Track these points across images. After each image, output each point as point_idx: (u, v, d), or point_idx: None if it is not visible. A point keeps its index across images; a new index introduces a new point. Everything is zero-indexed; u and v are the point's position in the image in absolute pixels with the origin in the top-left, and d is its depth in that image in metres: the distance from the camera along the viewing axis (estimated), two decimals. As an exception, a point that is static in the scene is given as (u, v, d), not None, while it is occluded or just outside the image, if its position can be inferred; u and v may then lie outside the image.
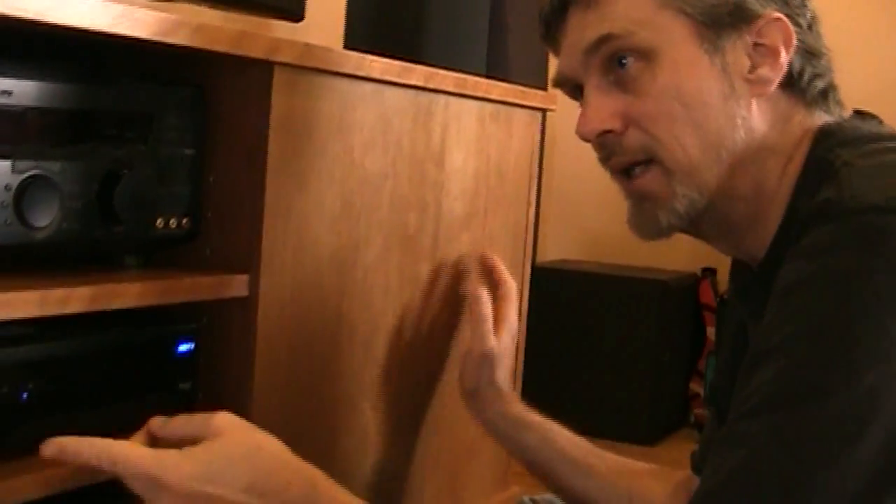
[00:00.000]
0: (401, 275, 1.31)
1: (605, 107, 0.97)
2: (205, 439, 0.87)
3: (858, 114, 1.02)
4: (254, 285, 1.07)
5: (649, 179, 0.97)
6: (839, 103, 1.00)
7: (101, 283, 0.94)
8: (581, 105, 1.01)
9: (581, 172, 3.37)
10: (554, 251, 3.47)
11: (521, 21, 1.77)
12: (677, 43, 0.95)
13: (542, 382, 2.98)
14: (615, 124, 0.97)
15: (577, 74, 1.00)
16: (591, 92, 0.98)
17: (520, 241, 1.60)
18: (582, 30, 0.98)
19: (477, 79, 1.44)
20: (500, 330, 1.14)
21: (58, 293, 0.90)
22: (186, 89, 1.06)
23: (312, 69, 1.13)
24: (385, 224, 1.28)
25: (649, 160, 0.97)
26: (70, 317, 0.91)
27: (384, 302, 1.29)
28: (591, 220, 3.39)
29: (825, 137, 0.95)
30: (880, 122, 1.00)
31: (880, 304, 0.78)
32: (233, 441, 0.88)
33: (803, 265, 0.83)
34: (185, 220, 1.06)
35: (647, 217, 0.98)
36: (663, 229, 0.98)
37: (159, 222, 1.03)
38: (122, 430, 0.98)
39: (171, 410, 1.02)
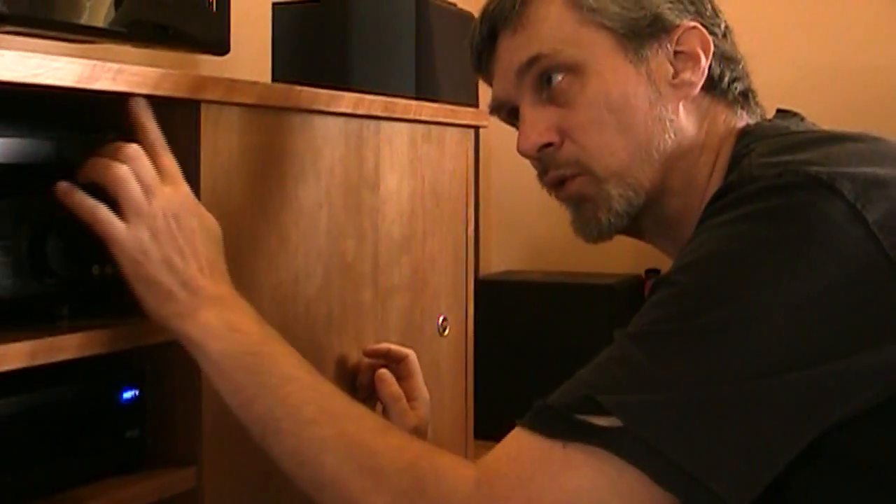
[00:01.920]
0: (343, 304, 1.31)
1: (540, 121, 1.03)
2: None
3: (781, 112, 1.08)
4: (194, 326, 1.06)
5: (578, 183, 1.04)
6: (759, 105, 1.08)
7: (39, 337, 0.93)
8: (518, 125, 1.05)
9: (519, 183, 3.39)
10: (498, 263, 3.48)
11: (448, 40, 1.78)
12: (602, 55, 1.02)
13: (496, 394, 2.98)
14: (552, 137, 1.03)
15: (510, 96, 1.06)
16: (526, 110, 1.04)
17: (461, 259, 1.61)
18: (512, 53, 1.05)
19: (406, 101, 1.45)
20: (415, 405, 1.21)
21: (-6, 351, 0.88)
22: (111, 134, 1.05)
23: (239, 104, 1.12)
24: (323, 254, 1.27)
25: (578, 173, 1.02)
26: (5, 374, 0.90)
27: (328, 333, 1.28)
28: (532, 229, 3.41)
29: (745, 135, 1.03)
30: (801, 118, 1.07)
31: (754, 244, 0.84)
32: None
33: (698, 227, 0.91)
34: (107, 266, 1.04)
35: (588, 218, 1.05)
36: (604, 229, 1.04)
37: (95, 269, 1.02)
38: (70, 484, 0.98)
39: (119, 459, 1.02)
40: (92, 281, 1.02)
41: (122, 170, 0.96)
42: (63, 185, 0.96)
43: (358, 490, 0.88)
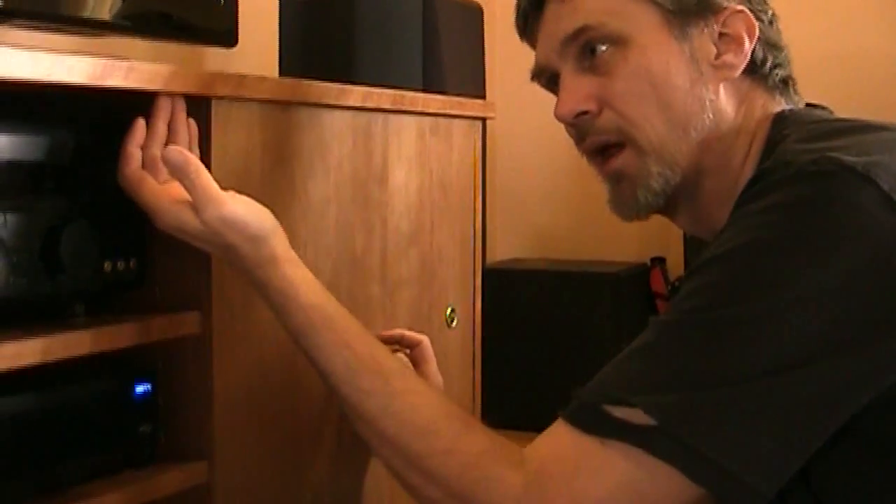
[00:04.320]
0: (352, 298, 1.31)
1: (580, 89, 1.04)
2: None
3: (810, 106, 1.09)
4: (206, 322, 1.07)
5: (623, 159, 1.04)
6: (798, 94, 1.09)
7: (52, 334, 0.94)
8: (558, 91, 1.06)
9: (524, 172, 3.39)
10: (503, 251, 3.48)
11: (455, 32, 1.78)
12: (647, 30, 1.03)
13: (503, 381, 2.99)
14: (590, 105, 1.04)
15: (553, 63, 1.07)
16: (567, 76, 1.05)
17: (468, 250, 1.61)
18: (558, 21, 1.06)
19: (414, 94, 1.45)
20: None
21: (9, 348, 0.89)
22: (122, 132, 1.06)
23: (249, 99, 1.13)
24: (332, 249, 1.28)
25: (622, 142, 1.02)
26: (20, 371, 0.90)
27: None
28: (537, 217, 3.41)
29: (780, 121, 1.04)
30: (830, 111, 1.08)
31: (789, 234, 0.85)
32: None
33: (734, 213, 0.92)
34: (132, 263, 1.06)
35: (626, 197, 1.05)
36: (641, 208, 1.05)
37: (107, 267, 1.03)
38: (82, 479, 0.98)
39: (133, 454, 1.03)
40: (103, 278, 1.02)
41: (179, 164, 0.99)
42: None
43: (440, 444, 0.94)
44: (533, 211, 3.42)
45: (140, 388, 1.04)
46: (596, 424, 0.85)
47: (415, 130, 1.44)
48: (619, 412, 0.84)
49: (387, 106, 1.36)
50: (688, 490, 0.83)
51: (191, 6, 1.45)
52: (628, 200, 1.05)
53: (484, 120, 1.65)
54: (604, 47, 1.02)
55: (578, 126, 1.06)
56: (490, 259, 3.36)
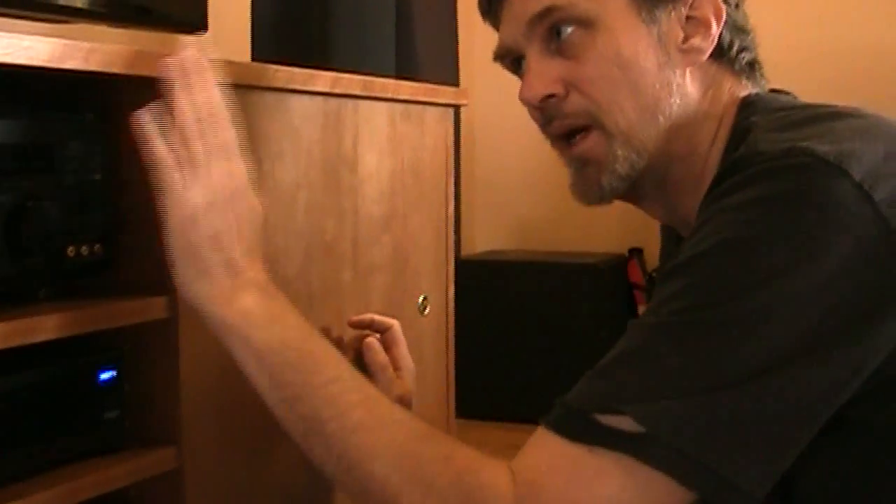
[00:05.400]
0: (323, 283, 1.31)
1: (547, 72, 1.02)
2: None
3: (774, 91, 1.08)
4: (173, 307, 1.06)
5: (590, 143, 1.03)
6: (764, 77, 1.07)
7: (16, 318, 0.93)
8: (522, 74, 1.05)
9: (504, 163, 3.39)
10: (482, 242, 3.48)
11: (429, 19, 1.77)
12: (616, 12, 1.01)
13: (480, 373, 2.99)
14: (557, 88, 1.02)
15: (518, 45, 1.05)
16: (533, 58, 1.03)
17: (442, 238, 1.60)
18: (524, 2, 1.03)
19: (385, 80, 1.44)
20: (400, 374, 1.20)
21: (-30, 332, 0.88)
22: (88, 114, 1.05)
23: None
24: (303, 234, 1.27)
25: (589, 125, 1.01)
26: (-17, 356, 0.89)
27: (308, 313, 1.27)
28: (517, 209, 3.41)
29: (747, 106, 1.03)
30: (794, 97, 1.07)
31: (769, 231, 0.84)
32: None
33: (710, 208, 0.90)
34: (97, 247, 1.05)
35: (589, 182, 1.04)
36: (606, 193, 1.04)
37: (71, 251, 1.02)
38: (48, 466, 0.97)
39: (98, 440, 1.02)
40: (67, 261, 1.01)
41: (191, 115, 0.95)
42: (146, 117, 0.95)
43: (406, 501, 0.87)
44: (512, 203, 3.42)
45: (106, 374, 1.03)
46: (586, 433, 0.83)
47: (386, 116, 1.44)
48: (608, 420, 0.82)
49: (356, 92, 1.35)
50: (682, 496, 0.82)
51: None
52: (592, 185, 1.04)
53: (457, 108, 1.64)
54: (570, 29, 1.01)
55: (544, 109, 1.04)
56: (469, 251, 3.35)
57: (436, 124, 1.57)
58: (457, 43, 1.85)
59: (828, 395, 0.83)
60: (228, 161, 0.97)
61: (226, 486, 1.13)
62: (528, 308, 3.12)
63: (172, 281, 1.02)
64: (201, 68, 0.97)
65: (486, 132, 3.27)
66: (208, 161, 0.95)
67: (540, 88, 1.03)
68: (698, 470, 0.80)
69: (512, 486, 0.85)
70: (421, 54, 1.69)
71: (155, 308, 1.05)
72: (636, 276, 3.31)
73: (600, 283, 3.14)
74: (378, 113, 1.42)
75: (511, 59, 1.09)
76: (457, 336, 1.67)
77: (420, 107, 1.51)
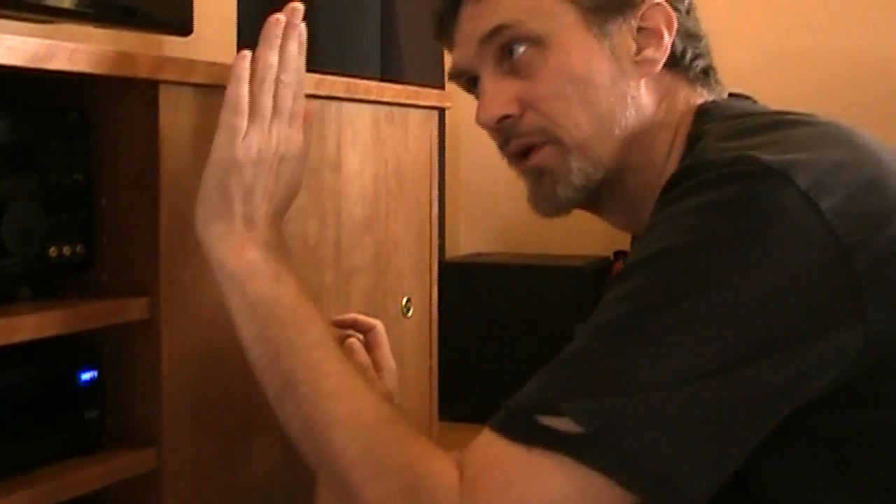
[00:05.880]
0: (305, 285, 1.31)
1: (501, 93, 1.03)
2: None
3: (733, 96, 1.08)
4: (154, 308, 1.06)
5: (545, 154, 1.03)
6: (719, 83, 1.08)
7: (-6, 318, 0.93)
8: (478, 95, 1.05)
9: (488, 165, 3.39)
10: (466, 245, 3.48)
11: (414, 22, 1.78)
12: (566, 28, 1.01)
13: (463, 375, 2.99)
14: (512, 109, 1.03)
15: (472, 65, 1.05)
16: (487, 80, 1.04)
17: (425, 241, 1.61)
18: (475, 21, 1.04)
19: (369, 82, 1.44)
20: (382, 375, 1.20)
21: (-51, 332, 0.88)
22: (70, 114, 1.05)
23: (199, 85, 1.12)
24: (285, 235, 1.27)
25: (545, 142, 1.01)
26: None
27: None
28: (501, 211, 3.41)
29: (703, 114, 1.03)
30: (754, 101, 1.07)
31: (712, 237, 0.84)
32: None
33: (657, 216, 0.90)
34: (78, 247, 1.05)
35: (545, 192, 1.05)
36: (562, 204, 1.04)
37: (52, 251, 1.02)
38: (27, 466, 0.97)
39: (79, 440, 1.02)
40: (49, 261, 1.01)
41: (273, 68, 1.01)
42: (243, 60, 1.01)
43: (357, 476, 0.89)
44: (497, 205, 3.42)
45: (86, 375, 1.03)
46: (525, 434, 0.83)
47: (370, 118, 1.44)
48: (548, 420, 0.82)
49: (340, 94, 1.35)
50: (622, 497, 0.81)
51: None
52: (548, 195, 1.04)
53: (441, 110, 1.65)
54: (522, 48, 1.01)
55: (502, 130, 1.05)
56: (454, 253, 3.36)
57: (420, 127, 1.57)
58: (443, 51, 1.85)
59: (770, 401, 0.83)
60: (290, 127, 1.03)
61: (205, 486, 1.13)
62: (512, 310, 3.12)
63: (153, 280, 1.03)
64: (297, 31, 1.03)
65: (471, 134, 3.27)
66: (272, 119, 1.01)
67: (495, 110, 1.03)
68: (636, 470, 0.80)
69: (459, 481, 0.86)
70: (406, 57, 1.69)
71: (136, 308, 1.05)
72: (620, 279, 3.32)
73: (585, 286, 3.14)
74: (362, 115, 1.42)
75: (465, 79, 1.09)
76: (440, 337, 1.67)
77: (404, 109, 1.52)
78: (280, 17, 1.02)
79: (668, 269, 0.85)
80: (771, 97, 1.10)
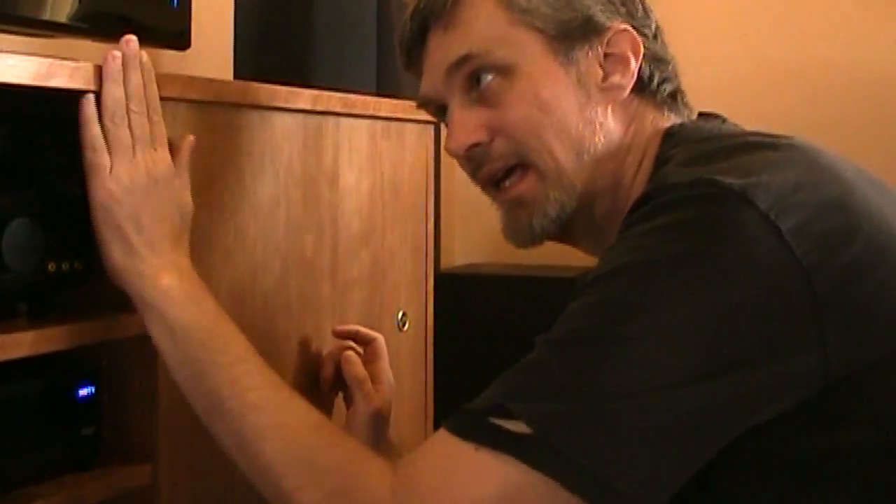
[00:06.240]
0: (301, 297, 1.31)
1: (469, 121, 1.04)
2: None
3: (703, 115, 1.09)
4: (152, 322, 1.06)
5: (525, 185, 1.04)
6: (687, 105, 1.08)
7: (-8, 333, 0.93)
8: (446, 124, 1.06)
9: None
10: (461, 255, 3.49)
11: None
12: (532, 57, 1.02)
13: (457, 387, 3.00)
14: (481, 136, 1.04)
15: (440, 94, 1.06)
16: (455, 109, 1.05)
17: (420, 253, 1.61)
18: (442, 51, 1.05)
19: (365, 97, 1.45)
20: (379, 388, 1.21)
21: (-53, 347, 0.89)
22: (69, 130, 1.05)
23: (196, 101, 1.12)
24: (281, 249, 1.28)
25: (519, 165, 1.02)
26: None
27: (287, 326, 1.29)
28: (496, 222, 3.42)
29: (669, 137, 1.04)
30: (723, 121, 1.08)
31: (669, 256, 0.85)
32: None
33: (617, 238, 0.91)
34: (76, 262, 1.05)
35: (520, 224, 1.05)
36: (537, 235, 1.05)
37: (50, 266, 1.02)
38: (24, 481, 0.98)
39: (74, 456, 1.02)
40: (48, 277, 1.02)
41: (121, 101, 1.01)
42: (88, 103, 1.00)
43: (290, 484, 0.91)
44: (492, 216, 3.42)
45: (84, 391, 1.03)
46: (475, 432, 0.84)
47: (366, 133, 1.45)
48: (497, 420, 0.83)
49: (337, 109, 1.36)
50: (564, 501, 0.82)
51: (144, 9, 1.44)
52: (524, 227, 1.05)
53: (437, 124, 1.65)
54: (490, 77, 1.02)
55: (472, 158, 1.05)
56: (448, 264, 3.36)
57: (416, 141, 1.58)
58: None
59: (721, 418, 0.83)
60: (154, 150, 1.02)
61: (201, 502, 1.13)
62: (507, 321, 3.12)
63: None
64: (135, 60, 1.03)
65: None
66: (133, 147, 1.01)
67: (464, 138, 1.04)
68: (581, 473, 0.81)
69: (392, 478, 0.88)
70: (402, 71, 1.70)
71: (134, 324, 1.05)
72: (614, 290, 3.33)
73: (578, 297, 3.15)
74: (359, 129, 1.43)
75: (434, 107, 1.10)
76: (436, 348, 1.68)
77: (400, 124, 1.52)
78: (116, 53, 1.02)
79: (622, 286, 0.86)
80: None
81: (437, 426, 1.70)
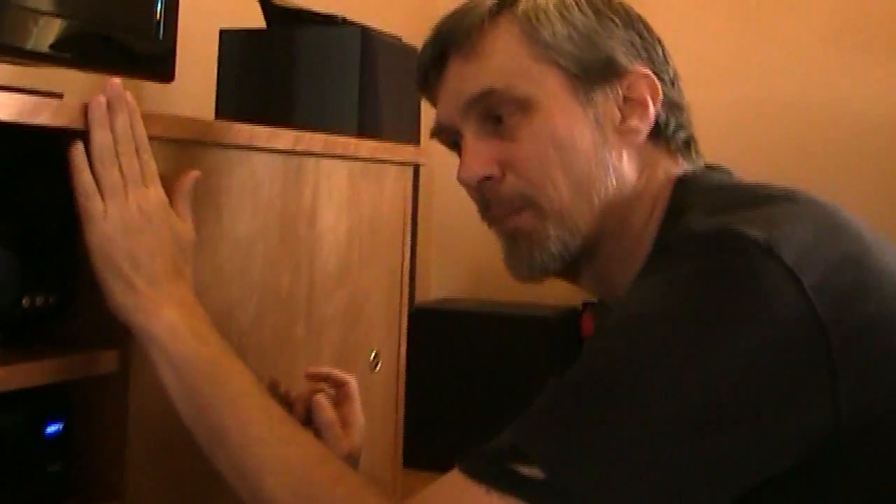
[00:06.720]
0: (276, 336, 1.32)
1: (484, 153, 1.03)
2: None
3: (709, 167, 1.09)
4: (125, 360, 1.07)
5: (523, 219, 1.03)
6: (699, 153, 1.07)
7: (-38, 368, 0.93)
8: (460, 153, 1.05)
9: (462, 208, 3.41)
10: (437, 289, 3.49)
11: (392, 75, 1.80)
12: (553, 94, 1.02)
13: (431, 422, 3.00)
14: (494, 170, 1.02)
15: (455, 123, 1.05)
16: (470, 140, 1.04)
17: (395, 293, 1.62)
18: (462, 81, 1.04)
19: (346, 139, 1.46)
20: (349, 432, 1.20)
21: (-82, 382, 0.88)
22: (49, 165, 1.06)
23: (179, 140, 1.13)
24: (258, 286, 1.28)
25: (524, 206, 1.01)
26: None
27: (261, 365, 1.29)
28: (474, 254, 3.43)
29: (683, 186, 1.03)
30: (730, 173, 1.08)
31: (691, 307, 0.85)
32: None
33: (637, 283, 0.92)
34: (51, 298, 1.05)
35: (522, 256, 1.04)
36: (537, 269, 1.04)
37: (25, 301, 1.02)
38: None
39: (41, 493, 1.02)
40: (22, 311, 1.02)
41: (109, 144, 1.02)
42: (77, 149, 1.01)
43: None
44: (470, 249, 3.43)
45: (52, 428, 1.03)
46: (485, 474, 0.85)
47: (346, 173, 1.46)
48: (512, 464, 0.84)
49: (318, 150, 1.37)
50: None
51: (129, 40, 1.45)
52: (524, 260, 1.04)
53: (416, 166, 1.67)
54: (509, 111, 1.01)
55: (483, 191, 1.05)
56: (423, 298, 3.37)
57: (394, 182, 1.59)
58: (419, 101, 1.88)
59: (733, 470, 0.84)
60: (146, 187, 1.04)
61: (168, 540, 1.13)
62: (480, 358, 3.13)
63: (124, 331, 1.04)
64: (120, 102, 1.04)
65: (445, 177, 3.29)
66: (125, 187, 1.02)
67: (477, 170, 1.03)
68: None
69: None
70: (383, 112, 1.71)
71: (106, 361, 1.06)
72: (589, 329, 3.33)
73: (552, 336, 3.16)
74: (338, 170, 1.44)
75: (448, 136, 1.09)
76: (409, 383, 1.68)
77: (379, 165, 1.53)
78: (101, 98, 1.03)
79: (647, 333, 0.86)
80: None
81: (408, 459, 1.71)
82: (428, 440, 2.93)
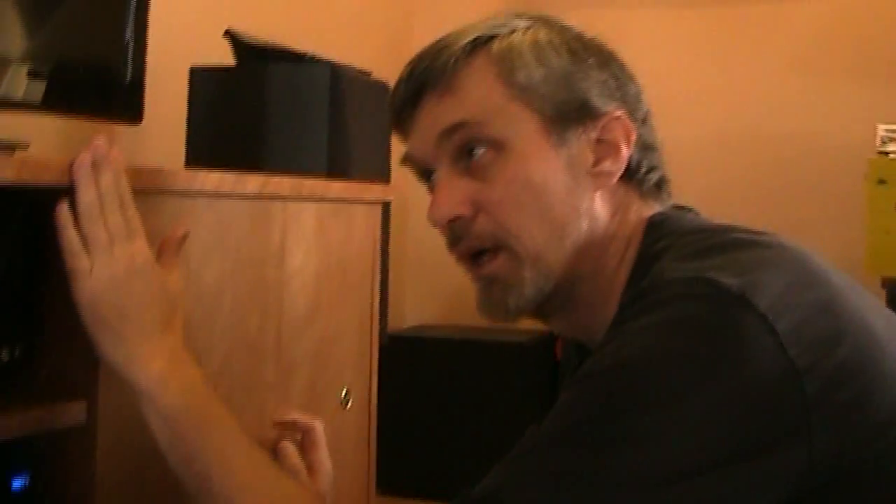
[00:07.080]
0: (245, 380, 1.32)
1: (455, 193, 1.03)
2: None
3: (677, 208, 1.10)
4: (92, 412, 1.07)
5: (499, 265, 1.03)
6: (670, 194, 1.08)
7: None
8: (431, 190, 1.05)
9: (436, 236, 3.42)
10: (412, 317, 3.50)
11: (362, 110, 1.81)
12: (526, 136, 1.02)
13: (404, 449, 3.00)
14: (465, 210, 1.03)
15: (427, 158, 1.05)
16: (442, 178, 1.04)
17: (366, 330, 1.63)
18: (436, 115, 1.04)
19: (314, 181, 1.47)
20: (316, 478, 1.20)
21: None
22: (13, 221, 1.06)
23: (145, 191, 1.13)
24: (226, 331, 1.29)
25: (497, 247, 1.02)
26: None
27: (229, 410, 1.29)
28: (449, 280, 3.43)
29: (654, 228, 1.04)
30: (696, 213, 1.09)
31: (665, 355, 0.86)
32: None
33: (613, 331, 0.93)
34: (17, 350, 1.05)
35: (496, 301, 1.05)
36: (511, 312, 1.04)
37: (4, 354, 1.03)
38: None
39: (7, 548, 1.02)
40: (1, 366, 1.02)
41: (94, 202, 1.03)
42: (62, 209, 1.03)
43: None
44: (443, 275, 3.43)
45: (18, 483, 1.03)
46: None
47: (314, 214, 1.46)
48: None
49: (285, 193, 1.38)
50: None
51: (98, 83, 1.46)
52: (498, 305, 1.04)
53: (385, 203, 1.68)
54: (482, 150, 1.01)
55: (452, 229, 1.05)
56: (398, 325, 3.37)
57: (364, 220, 1.60)
58: (390, 135, 1.89)
59: None
60: (131, 242, 1.05)
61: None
62: (454, 384, 3.14)
63: (92, 383, 1.04)
64: (106, 161, 1.05)
65: (418, 202, 3.30)
66: (111, 243, 1.03)
67: (447, 210, 1.03)
68: None
69: None
70: (353, 148, 1.72)
71: (73, 413, 1.06)
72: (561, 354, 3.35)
73: (526, 362, 3.17)
74: (307, 211, 1.44)
75: (418, 168, 1.08)
76: (383, 411, 1.68)
77: (348, 205, 1.54)
78: (86, 156, 1.04)
79: (618, 383, 0.87)
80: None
81: (381, 486, 1.71)
82: (403, 465, 2.93)
